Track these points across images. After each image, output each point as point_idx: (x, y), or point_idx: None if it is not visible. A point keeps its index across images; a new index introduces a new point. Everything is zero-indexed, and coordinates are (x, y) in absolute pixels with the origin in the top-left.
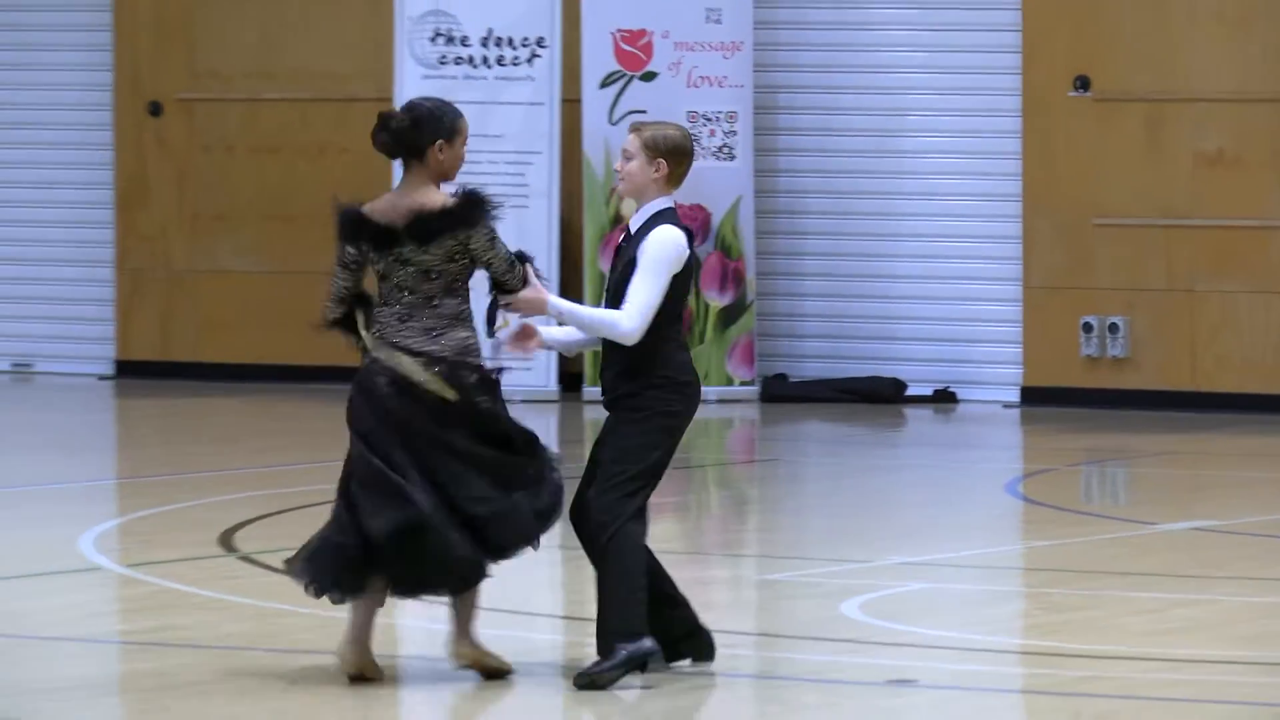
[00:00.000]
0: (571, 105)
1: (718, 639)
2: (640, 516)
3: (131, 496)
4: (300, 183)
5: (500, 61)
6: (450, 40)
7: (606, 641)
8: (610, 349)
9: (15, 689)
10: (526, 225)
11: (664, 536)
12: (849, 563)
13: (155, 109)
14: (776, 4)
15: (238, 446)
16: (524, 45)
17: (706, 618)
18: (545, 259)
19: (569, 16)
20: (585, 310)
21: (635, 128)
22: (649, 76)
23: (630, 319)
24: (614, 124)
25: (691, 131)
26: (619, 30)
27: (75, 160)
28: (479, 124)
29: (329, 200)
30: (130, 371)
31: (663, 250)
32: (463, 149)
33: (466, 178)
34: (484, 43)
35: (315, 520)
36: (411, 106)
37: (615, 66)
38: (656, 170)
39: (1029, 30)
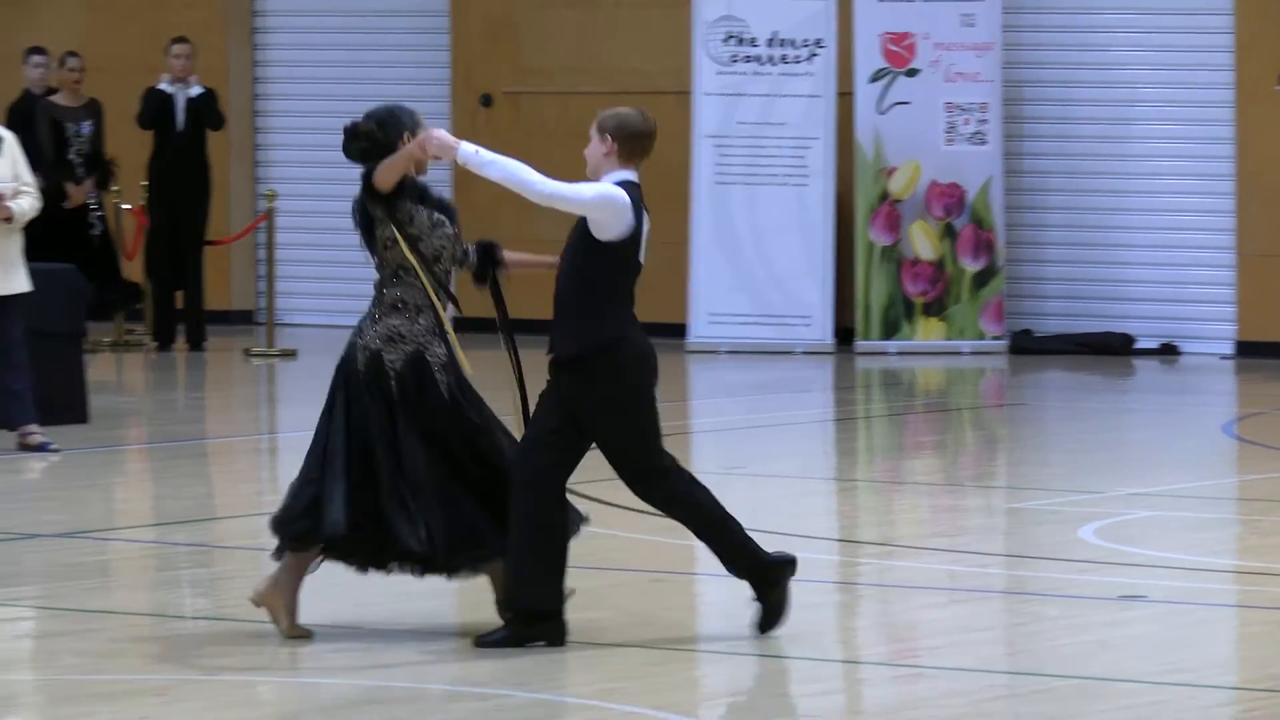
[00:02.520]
0: (845, 98)
1: (972, 560)
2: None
3: None
4: None
5: (784, 60)
6: (740, 41)
7: None
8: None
9: (360, 598)
10: (806, 202)
11: (925, 471)
12: (1085, 493)
13: (486, 100)
14: (1022, 10)
15: None
16: (804, 45)
17: (961, 541)
18: (822, 232)
19: (844, 20)
20: (508, 161)
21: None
22: (912, 73)
23: (542, 180)
24: (882, 114)
25: (947, 120)
26: (886, 33)
27: None
28: (765, 114)
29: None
30: (466, 327)
31: (595, 185)
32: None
33: (756, 160)
34: (770, 43)
35: None
36: (368, 115)
37: (883, 64)
38: (606, 148)
39: (1240, 33)
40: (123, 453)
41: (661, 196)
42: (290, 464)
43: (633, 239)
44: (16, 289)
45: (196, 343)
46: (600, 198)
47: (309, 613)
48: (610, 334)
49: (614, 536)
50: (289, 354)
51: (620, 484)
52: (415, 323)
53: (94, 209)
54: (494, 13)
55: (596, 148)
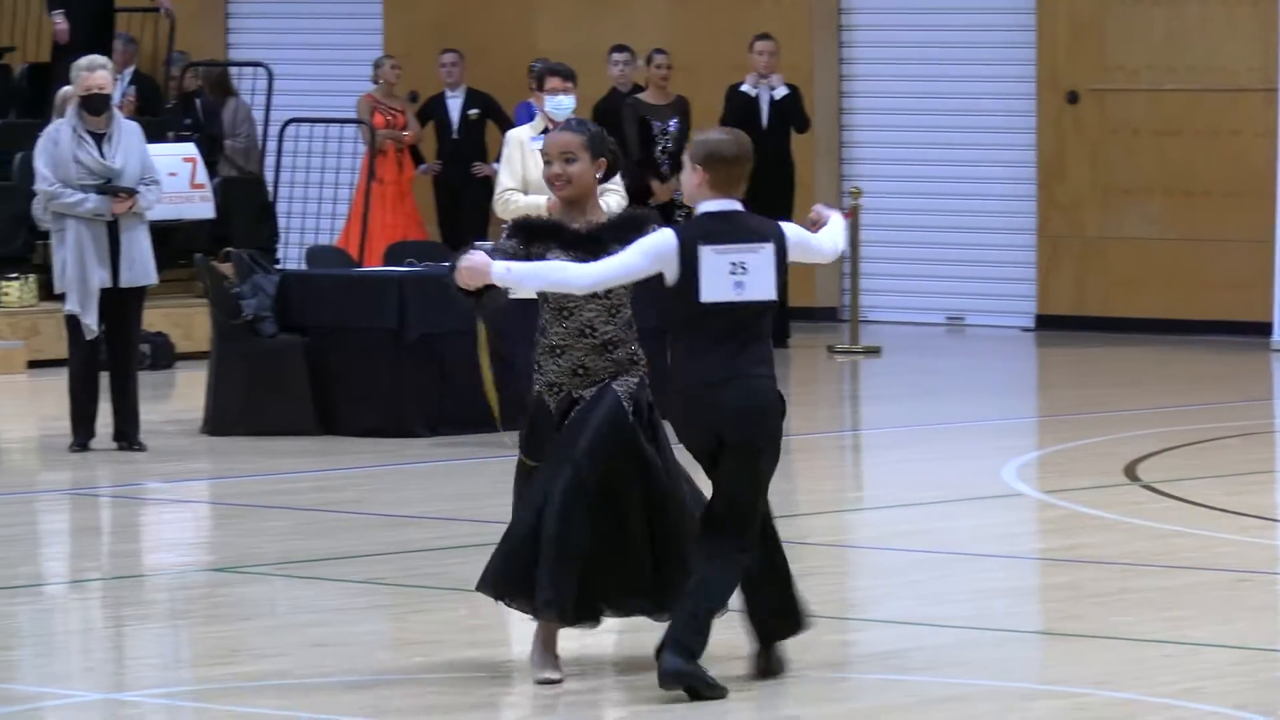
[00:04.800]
0: None
1: None
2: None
3: (1048, 432)
4: (1196, 162)
5: None
6: None
7: None
8: None
9: (941, 597)
10: None
11: None
12: None
13: (1072, 98)
14: None
15: (1142, 389)
16: None
17: None
18: None
19: None
20: (541, 267)
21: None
22: None
23: (582, 271)
24: None
25: None
26: None
27: (1003, 142)
28: None
29: (1223, 177)
30: (1048, 325)
31: (639, 244)
32: (545, 167)
33: None
34: None
35: (1214, 455)
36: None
37: None
38: (698, 178)
39: None
40: None
41: (1245, 194)
42: (874, 462)
43: (683, 279)
44: None
45: (780, 339)
46: (644, 256)
47: (881, 610)
48: (670, 374)
49: (1197, 535)
50: (872, 351)
51: (1209, 483)
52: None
53: (680, 206)
54: (1080, 10)
55: (689, 178)
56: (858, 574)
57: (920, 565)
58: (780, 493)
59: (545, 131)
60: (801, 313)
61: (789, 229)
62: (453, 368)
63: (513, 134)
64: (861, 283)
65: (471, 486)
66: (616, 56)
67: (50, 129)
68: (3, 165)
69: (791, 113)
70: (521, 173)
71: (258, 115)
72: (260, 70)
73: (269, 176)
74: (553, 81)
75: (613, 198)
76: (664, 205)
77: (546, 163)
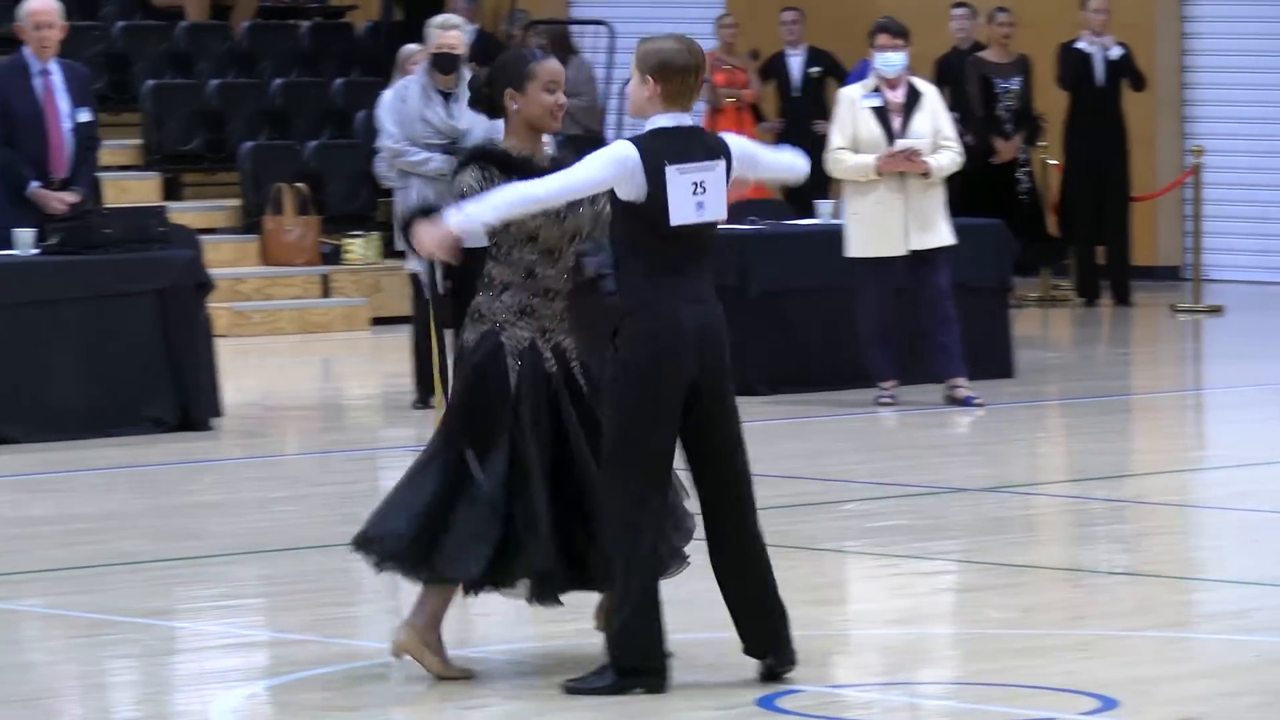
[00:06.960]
0: None
1: None
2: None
3: None
4: None
5: None
6: None
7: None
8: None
9: None
10: None
11: None
12: None
13: None
14: None
15: None
16: None
17: None
18: None
19: None
20: (495, 194)
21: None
22: None
23: (539, 185)
24: None
25: None
26: None
27: None
28: None
29: None
30: None
31: (598, 154)
32: (543, 95)
33: None
34: None
35: None
36: (491, 63)
37: None
38: (649, 90)
39: None
40: (1046, 407)
41: None
42: (1216, 421)
43: (651, 201)
44: (939, 243)
45: (1122, 298)
46: (599, 168)
47: (1224, 570)
48: (627, 300)
49: None
50: (1215, 310)
51: None
52: (497, 299)
53: (1022, 165)
54: None
55: (638, 90)
56: (1200, 534)
57: (1263, 525)
58: (1120, 452)
59: (876, 90)
60: (1143, 271)
61: (733, 142)
62: (794, 326)
63: (844, 92)
64: (1204, 241)
65: (814, 444)
66: (957, 13)
67: (399, 85)
68: (346, 123)
69: (1126, 71)
70: (852, 131)
71: (599, 74)
72: (601, 28)
73: (611, 135)
74: (882, 38)
75: (945, 155)
76: (1006, 164)
77: (552, 92)
